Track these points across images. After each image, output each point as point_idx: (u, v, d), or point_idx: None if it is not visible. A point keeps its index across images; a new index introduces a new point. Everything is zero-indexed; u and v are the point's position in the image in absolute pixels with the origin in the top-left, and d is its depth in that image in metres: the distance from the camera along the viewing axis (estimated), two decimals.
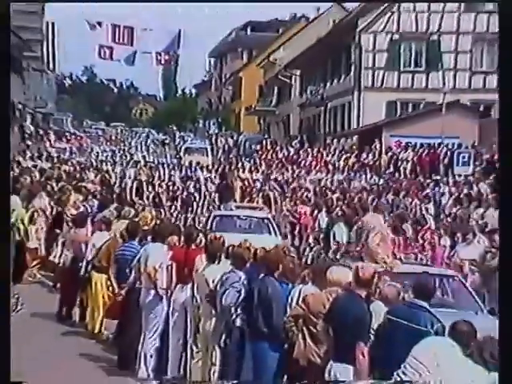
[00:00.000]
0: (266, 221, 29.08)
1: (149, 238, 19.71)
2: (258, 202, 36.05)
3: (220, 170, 44.12)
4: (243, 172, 45.69)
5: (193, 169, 47.09)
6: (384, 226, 18.44)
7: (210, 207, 36.34)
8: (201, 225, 30.29)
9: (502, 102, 9.36)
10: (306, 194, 38.79)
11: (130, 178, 41.03)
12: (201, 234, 21.43)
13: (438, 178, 44.57)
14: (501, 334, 10.14)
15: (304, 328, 13.96)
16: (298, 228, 31.58)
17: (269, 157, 52.39)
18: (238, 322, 15.05)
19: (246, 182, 41.57)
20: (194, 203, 36.44)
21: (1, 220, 5.86)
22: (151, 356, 17.72)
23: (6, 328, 5.08)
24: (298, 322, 14.03)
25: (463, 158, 48.13)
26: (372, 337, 12.98)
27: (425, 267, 20.23)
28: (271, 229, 27.35)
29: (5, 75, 7.47)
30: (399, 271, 18.97)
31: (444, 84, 64.14)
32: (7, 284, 5.07)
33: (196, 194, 38.36)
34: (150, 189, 38.53)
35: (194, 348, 16.68)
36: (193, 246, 18.32)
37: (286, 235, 31.36)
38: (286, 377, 14.62)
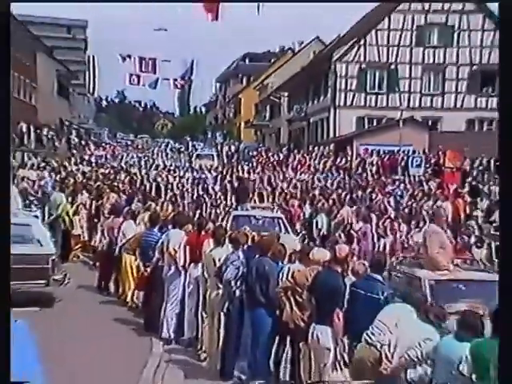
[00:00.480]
0: (278, 220, 28.01)
1: (169, 226, 19.64)
2: (254, 198, 36.16)
3: (236, 174, 43.52)
4: (242, 173, 45.68)
5: (201, 171, 46.99)
6: (442, 234, 17.91)
7: (218, 200, 36.22)
8: (213, 217, 29.97)
9: (502, 102, 8.33)
10: (293, 190, 38.79)
11: (152, 178, 41.04)
12: (210, 223, 21.42)
13: (397, 177, 44.70)
14: (501, 334, 8.95)
15: (291, 298, 13.95)
16: (288, 218, 31.46)
17: (263, 161, 52.19)
18: (238, 293, 15.03)
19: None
20: (202, 198, 36.20)
21: (1, 220, 5.58)
22: (172, 319, 17.74)
23: (6, 328, 4.86)
24: (287, 293, 14.00)
25: (416, 161, 48.52)
26: (345, 304, 13.01)
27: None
28: (282, 226, 26.78)
29: (5, 75, 6.62)
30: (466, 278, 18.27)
31: (401, 104, 64.65)
32: (7, 284, 4.82)
33: (203, 191, 38.31)
34: (168, 187, 38.55)
35: (204, 314, 16.64)
36: (202, 233, 18.27)
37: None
38: (277, 337, 14.64)
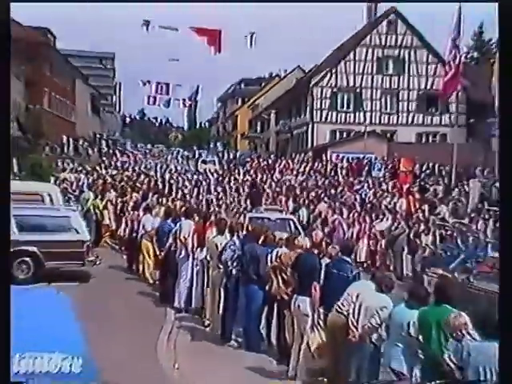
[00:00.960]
0: (289, 221, 25.84)
1: (181, 218, 19.53)
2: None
3: (250, 180, 42.85)
4: (238, 175, 45.58)
5: (205, 173, 46.86)
6: None
7: (219, 197, 35.99)
8: (215, 211, 29.57)
9: (502, 103, 7.32)
10: (280, 189, 38.74)
11: (166, 180, 40.95)
12: (213, 216, 21.40)
13: (362, 179, 44.64)
14: (501, 335, 8.04)
15: (278, 275, 13.92)
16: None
17: (255, 166, 52.10)
18: (234, 272, 15.02)
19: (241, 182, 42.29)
20: (206, 195, 36.01)
21: (1, 221, 5.40)
22: (182, 293, 17.66)
23: (6, 328, 4.73)
24: (275, 271, 13.98)
25: (377, 166, 48.61)
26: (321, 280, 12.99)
27: None
28: (293, 227, 25.68)
29: (5, 75, 6.01)
30: None
31: (365, 120, 64.72)
32: (7, 284, 4.64)
33: (207, 189, 38.10)
34: (179, 187, 38.48)
35: (208, 289, 16.60)
36: (207, 224, 18.26)
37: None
38: (266, 307, 14.62)
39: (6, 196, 5.72)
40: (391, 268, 24.85)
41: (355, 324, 11.39)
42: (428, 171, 46.13)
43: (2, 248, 5.17)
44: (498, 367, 8.69)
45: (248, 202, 34.30)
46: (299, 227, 25.21)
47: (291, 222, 25.58)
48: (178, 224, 18.88)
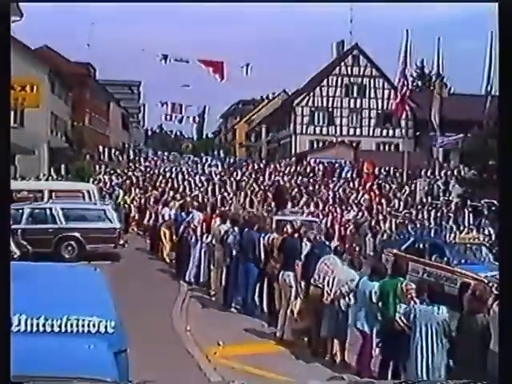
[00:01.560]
0: (313, 223, 22.12)
1: (193, 211, 19.40)
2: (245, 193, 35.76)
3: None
4: (236, 176, 45.30)
5: (211, 175, 46.54)
6: None
7: (222, 192, 35.66)
8: (219, 204, 29.12)
9: (503, 103, 6.19)
10: (270, 188, 38.47)
11: (180, 180, 40.72)
12: (217, 208, 21.33)
13: (335, 179, 44.49)
14: (501, 334, 7.16)
15: (270, 255, 13.91)
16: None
17: (250, 169, 51.82)
18: (234, 253, 14.93)
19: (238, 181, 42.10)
20: (212, 191, 35.78)
21: (1, 220, 5.27)
22: (193, 270, 17.55)
23: (7, 328, 4.66)
24: (267, 253, 13.98)
25: (347, 170, 48.29)
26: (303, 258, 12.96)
27: None
28: (316, 229, 20.01)
29: (5, 74, 5.36)
30: None
31: (336, 133, 64.67)
32: (7, 283, 4.60)
33: (212, 187, 37.73)
34: (191, 185, 38.29)
35: (212, 267, 16.50)
36: (213, 215, 18.19)
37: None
38: (260, 280, 14.58)
39: (7, 194, 5.57)
40: (357, 249, 24.86)
41: (328, 291, 11.37)
42: (385, 173, 46.11)
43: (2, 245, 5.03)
44: (444, 329, 8.65)
45: (273, 204, 31.59)
46: (323, 228, 22.45)
47: (315, 225, 22.16)
48: (189, 215, 18.78)
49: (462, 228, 23.74)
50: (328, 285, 11.44)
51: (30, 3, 30.29)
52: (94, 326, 5.41)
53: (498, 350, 7.75)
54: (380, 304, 10.29)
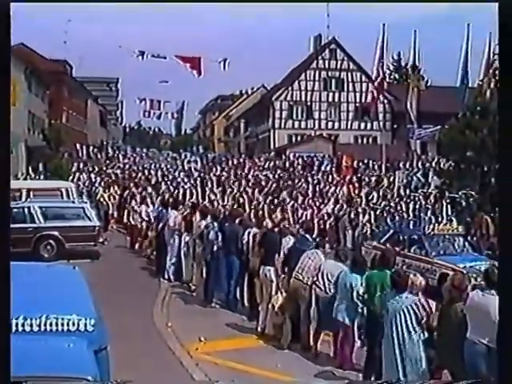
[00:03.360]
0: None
1: (169, 208, 19.32)
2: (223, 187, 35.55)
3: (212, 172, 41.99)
4: (216, 171, 45.18)
5: (190, 171, 46.33)
6: None
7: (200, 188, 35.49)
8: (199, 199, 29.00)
9: (503, 103, 6.10)
10: (249, 182, 38.42)
11: (159, 176, 40.52)
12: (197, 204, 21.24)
13: (314, 172, 44.50)
14: (501, 334, 6.66)
15: (251, 250, 13.92)
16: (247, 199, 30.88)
17: (230, 164, 51.71)
18: (215, 248, 14.90)
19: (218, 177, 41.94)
20: (190, 187, 35.52)
21: (1, 219, 5.22)
22: (170, 268, 17.50)
23: (7, 328, 4.62)
24: (248, 248, 14.00)
25: (326, 163, 48.36)
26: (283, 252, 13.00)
27: None
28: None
29: (5, 74, 5.40)
30: None
31: (314, 126, 64.88)
32: (7, 283, 4.54)
33: (191, 183, 37.46)
34: (169, 181, 38.02)
35: (194, 263, 16.46)
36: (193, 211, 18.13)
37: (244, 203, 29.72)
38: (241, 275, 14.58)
39: (7, 195, 5.55)
40: (337, 242, 24.89)
41: (315, 285, 11.40)
42: (364, 166, 46.25)
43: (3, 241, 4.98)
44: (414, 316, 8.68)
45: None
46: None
47: None
48: (168, 211, 18.66)
49: (440, 219, 23.88)
50: (313, 278, 11.47)
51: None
52: (73, 324, 5.42)
53: (473, 339, 7.90)
54: (365, 296, 10.30)
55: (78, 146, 58.32)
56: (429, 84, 65.28)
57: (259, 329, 12.55)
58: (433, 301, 8.93)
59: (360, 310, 10.44)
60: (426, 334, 8.72)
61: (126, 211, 26.69)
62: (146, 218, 21.71)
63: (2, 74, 5.22)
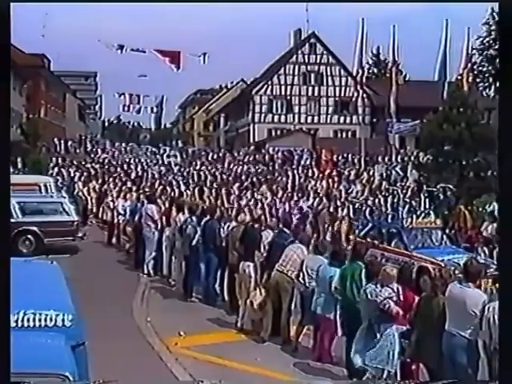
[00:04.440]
0: None
1: (146, 202, 19.23)
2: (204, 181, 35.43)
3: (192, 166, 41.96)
4: (196, 166, 45.08)
5: (169, 165, 46.18)
6: None
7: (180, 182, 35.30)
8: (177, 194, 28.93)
9: (502, 103, 6.03)
10: (227, 176, 38.35)
11: (139, 170, 40.33)
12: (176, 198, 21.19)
13: (294, 166, 44.47)
14: (501, 334, 6.58)
15: (230, 244, 13.91)
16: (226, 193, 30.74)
17: (210, 158, 51.59)
18: (194, 242, 14.87)
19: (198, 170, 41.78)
20: (170, 181, 35.28)
21: (1, 218, 5.17)
22: (150, 262, 17.42)
23: (7, 328, 4.58)
24: (227, 242, 13.99)
25: (305, 157, 48.40)
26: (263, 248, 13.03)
27: None
28: None
29: (5, 75, 5.36)
30: None
31: (293, 120, 64.97)
32: (7, 282, 4.47)
33: (171, 177, 37.33)
34: (149, 176, 37.85)
35: (173, 258, 16.42)
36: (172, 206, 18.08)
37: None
38: (220, 270, 14.58)
39: (7, 190, 5.52)
40: (315, 235, 24.92)
41: (297, 278, 11.42)
42: (343, 160, 46.37)
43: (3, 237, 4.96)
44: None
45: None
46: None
47: None
48: (146, 206, 18.54)
49: (418, 213, 24.00)
50: (297, 272, 11.50)
51: None
52: (51, 319, 5.40)
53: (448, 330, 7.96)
54: (340, 289, 10.35)
55: (56, 140, 57.97)
56: (407, 78, 65.61)
57: (238, 324, 12.53)
58: (411, 292, 8.99)
59: (337, 303, 10.49)
60: (404, 327, 8.78)
61: (104, 206, 26.56)
62: (123, 212, 21.57)
63: (1, 73, 5.26)
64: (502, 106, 6.13)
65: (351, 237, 19.77)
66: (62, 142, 58.87)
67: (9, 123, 5.31)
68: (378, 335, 8.73)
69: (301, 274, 11.35)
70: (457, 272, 12.56)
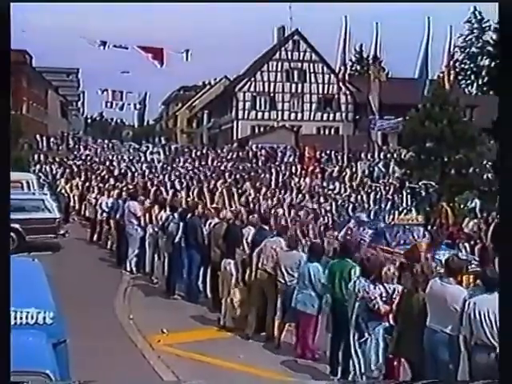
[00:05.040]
0: None
1: (128, 199, 19.17)
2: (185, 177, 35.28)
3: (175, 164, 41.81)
4: (179, 162, 44.91)
5: (152, 162, 45.97)
6: None
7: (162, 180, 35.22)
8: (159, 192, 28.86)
9: (503, 103, 6.00)
10: (212, 173, 38.15)
11: (123, 167, 40.16)
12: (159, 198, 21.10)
13: (277, 163, 44.42)
14: (501, 334, 6.59)
15: (212, 241, 13.90)
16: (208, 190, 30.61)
17: (193, 156, 51.41)
18: (177, 240, 14.84)
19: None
20: (153, 179, 35.11)
21: (1, 217, 5.15)
22: (133, 260, 17.37)
23: (7, 328, 4.56)
24: (210, 239, 13.98)
25: (289, 154, 48.34)
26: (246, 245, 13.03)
27: None
28: None
29: (5, 75, 5.30)
30: None
31: (277, 117, 64.94)
32: (7, 282, 4.44)
33: (153, 174, 37.19)
34: (131, 173, 37.62)
35: (156, 256, 16.40)
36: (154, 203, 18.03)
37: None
38: (203, 267, 14.59)
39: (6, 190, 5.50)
40: (298, 231, 24.93)
41: (279, 274, 11.43)
42: (326, 156, 46.46)
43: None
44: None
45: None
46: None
47: None
48: (128, 203, 18.46)
49: (400, 209, 24.11)
50: (275, 267, 11.50)
51: None
52: (32, 317, 5.37)
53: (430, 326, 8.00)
54: (328, 286, 10.35)
55: (38, 137, 57.57)
56: (389, 76, 65.84)
57: (221, 322, 12.52)
58: (395, 288, 9.01)
59: (321, 299, 10.50)
60: (387, 323, 8.81)
61: (86, 202, 26.45)
62: (106, 209, 21.49)
63: (1, 73, 5.21)
64: (502, 106, 6.12)
65: (335, 233, 19.80)
66: (45, 138, 58.43)
67: (9, 123, 5.32)
68: (366, 334, 8.76)
69: (279, 273, 11.36)
70: (438, 268, 12.64)
